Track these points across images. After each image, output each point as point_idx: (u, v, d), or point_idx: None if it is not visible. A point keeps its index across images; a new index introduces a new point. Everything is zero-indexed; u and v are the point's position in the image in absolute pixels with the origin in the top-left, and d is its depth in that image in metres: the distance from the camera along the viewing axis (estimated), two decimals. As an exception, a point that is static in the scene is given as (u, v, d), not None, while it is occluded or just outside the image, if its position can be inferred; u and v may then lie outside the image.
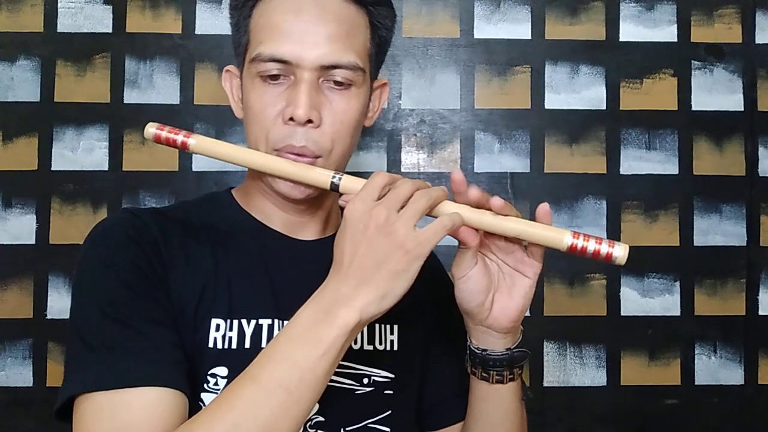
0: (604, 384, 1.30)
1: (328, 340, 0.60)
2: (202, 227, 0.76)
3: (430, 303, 0.85)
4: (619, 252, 0.64)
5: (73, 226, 1.25)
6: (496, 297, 0.70)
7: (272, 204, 0.79)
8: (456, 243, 0.68)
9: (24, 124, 1.26)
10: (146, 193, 1.27)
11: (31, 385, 1.23)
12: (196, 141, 0.72)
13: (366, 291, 0.60)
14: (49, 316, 1.24)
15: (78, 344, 0.65)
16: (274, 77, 0.72)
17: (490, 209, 0.66)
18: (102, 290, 0.67)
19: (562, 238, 0.65)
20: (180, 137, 0.72)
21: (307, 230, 0.81)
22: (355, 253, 0.61)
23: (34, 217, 1.26)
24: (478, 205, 0.67)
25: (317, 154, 0.72)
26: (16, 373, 1.23)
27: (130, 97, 1.28)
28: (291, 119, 0.70)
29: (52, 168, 1.26)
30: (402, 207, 0.62)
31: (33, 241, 1.25)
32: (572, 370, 1.30)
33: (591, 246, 0.64)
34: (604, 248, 0.64)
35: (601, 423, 1.29)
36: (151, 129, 0.73)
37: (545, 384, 1.29)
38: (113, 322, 0.65)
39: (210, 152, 0.73)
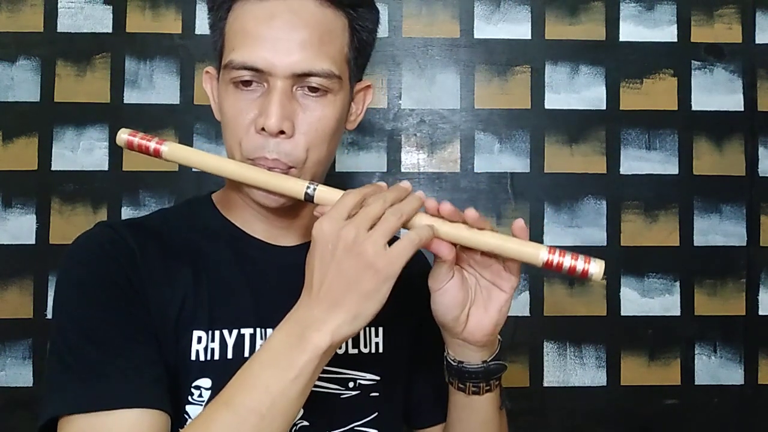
0: (604, 384, 1.30)
1: (300, 365, 0.59)
2: (180, 237, 0.75)
3: (414, 301, 0.83)
4: (595, 269, 0.63)
5: (73, 226, 1.25)
6: (471, 311, 0.70)
7: (251, 211, 0.77)
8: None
9: (24, 124, 1.26)
10: (146, 193, 1.27)
11: (31, 385, 1.23)
12: (169, 148, 0.70)
13: (337, 314, 0.60)
14: (49, 316, 1.24)
15: (57, 364, 0.65)
16: (247, 83, 0.70)
17: (466, 223, 0.65)
18: (79, 309, 0.66)
19: (537, 253, 0.64)
20: (153, 144, 0.70)
21: (288, 236, 0.79)
22: (325, 274, 0.60)
23: (34, 217, 1.26)
24: (452, 220, 0.65)
25: (290, 166, 0.70)
26: (16, 373, 1.23)
27: (130, 97, 1.28)
28: (263, 129, 0.69)
29: (52, 168, 1.26)
30: (372, 226, 0.60)
31: (33, 241, 1.25)
32: (572, 370, 1.30)
33: (567, 262, 0.63)
34: (580, 264, 0.63)
35: (601, 423, 1.29)
36: (123, 135, 0.71)
37: (545, 384, 1.29)
38: (91, 343, 0.64)
39: (183, 160, 0.72)
